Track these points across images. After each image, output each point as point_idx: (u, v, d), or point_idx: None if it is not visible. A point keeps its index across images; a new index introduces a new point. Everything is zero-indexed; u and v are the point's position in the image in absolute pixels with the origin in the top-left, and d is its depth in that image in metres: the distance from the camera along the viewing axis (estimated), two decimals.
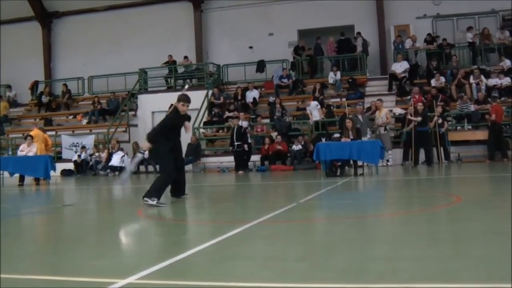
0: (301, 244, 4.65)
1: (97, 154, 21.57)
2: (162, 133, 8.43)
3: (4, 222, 6.97)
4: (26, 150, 16.05)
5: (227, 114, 22.04)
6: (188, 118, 8.69)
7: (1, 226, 6.48)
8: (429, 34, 23.37)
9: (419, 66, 22.96)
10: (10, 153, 17.56)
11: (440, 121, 17.74)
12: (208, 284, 3.31)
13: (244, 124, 19.84)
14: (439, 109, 17.95)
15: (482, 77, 20.57)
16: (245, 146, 18.70)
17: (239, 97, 22.94)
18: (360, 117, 17.08)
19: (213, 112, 22.67)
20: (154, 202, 7.90)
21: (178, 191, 8.80)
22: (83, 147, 21.99)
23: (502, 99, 19.54)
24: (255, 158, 19.72)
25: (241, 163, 18.77)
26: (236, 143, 18.73)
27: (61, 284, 3.46)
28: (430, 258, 3.74)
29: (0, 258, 4.16)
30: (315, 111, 20.42)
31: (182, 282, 3.37)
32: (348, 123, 14.25)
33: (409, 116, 17.38)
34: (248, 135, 19.42)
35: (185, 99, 8.43)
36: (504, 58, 21.46)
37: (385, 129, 17.81)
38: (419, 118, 17.12)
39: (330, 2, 24.45)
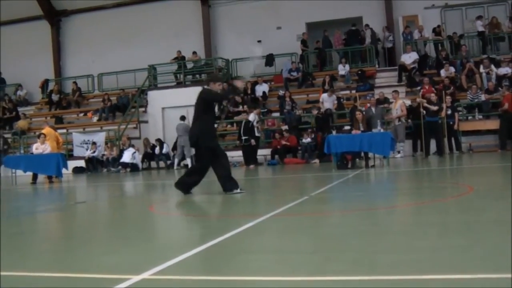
0: (314, 237, 4.66)
1: (106, 152, 21.68)
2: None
3: (18, 220, 7.02)
4: (40, 148, 16.11)
5: (232, 109, 22.03)
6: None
7: (15, 224, 6.53)
8: (439, 26, 23.21)
9: (429, 56, 22.83)
10: (22, 151, 17.65)
11: (449, 112, 17.65)
12: (221, 278, 3.33)
13: (251, 118, 19.68)
14: (448, 100, 17.86)
15: (492, 66, 20.44)
16: (252, 141, 18.62)
17: (249, 92, 22.93)
18: (373, 108, 17.04)
19: (222, 107, 22.65)
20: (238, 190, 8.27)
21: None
22: (94, 143, 22.06)
23: None
24: (266, 152, 19.70)
25: (250, 158, 18.75)
26: (243, 138, 18.72)
27: (75, 281, 3.48)
28: (442, 249, 3.74)
29: None
30: (328, 102, 20.35)
31: (195, 277, 3.39)
32: (358, 115, 14.21)
33: (426, 104, 17.29)
34: (256, 129, 19.29)
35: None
36: None
37: (399, 121, 17.78)
38: (435, 107, 17.05)
39: None
